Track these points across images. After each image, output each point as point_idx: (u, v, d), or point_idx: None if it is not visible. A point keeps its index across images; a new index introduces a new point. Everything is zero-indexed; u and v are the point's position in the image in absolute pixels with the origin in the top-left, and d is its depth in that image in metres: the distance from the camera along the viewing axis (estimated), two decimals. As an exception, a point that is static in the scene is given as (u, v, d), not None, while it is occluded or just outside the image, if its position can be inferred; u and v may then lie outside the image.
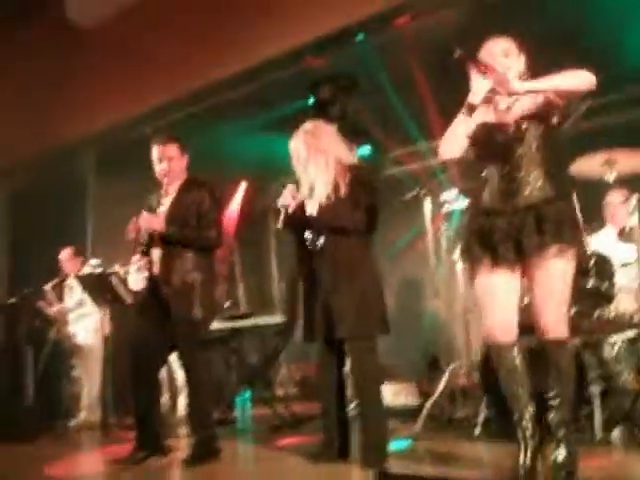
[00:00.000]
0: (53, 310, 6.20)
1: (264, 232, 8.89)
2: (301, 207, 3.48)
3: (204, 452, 3.68)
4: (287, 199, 3.46)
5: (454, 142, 2.82)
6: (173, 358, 5.92)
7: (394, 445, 3.47)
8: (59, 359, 6.11)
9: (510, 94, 2.64)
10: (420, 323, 6.45)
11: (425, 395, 4.67)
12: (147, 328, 3.85)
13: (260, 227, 8.94)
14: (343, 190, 3.35)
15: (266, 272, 8.95)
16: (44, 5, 6.20)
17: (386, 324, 3.35)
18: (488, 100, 2.76)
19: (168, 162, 3.91)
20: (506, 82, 2.58)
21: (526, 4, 4.59)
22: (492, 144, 2.77)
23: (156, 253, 3.88)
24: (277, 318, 5.34)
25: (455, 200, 5.02)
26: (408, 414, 4.62)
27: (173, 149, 3.96)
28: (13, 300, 6.33)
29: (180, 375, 6.25)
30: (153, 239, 3.86)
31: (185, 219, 3.83)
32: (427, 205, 4.66)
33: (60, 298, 6.26)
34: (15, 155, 7.17)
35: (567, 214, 2.64)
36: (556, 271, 2.62)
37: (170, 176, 3.91)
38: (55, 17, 6.21)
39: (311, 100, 5.99)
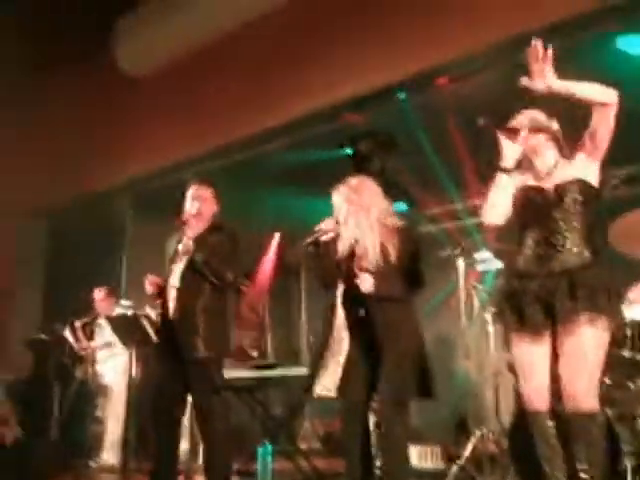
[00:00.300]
0: (82, 347, 6.24)
1: (295, 284, 8.91)
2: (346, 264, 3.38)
3: None
4: (328, 225, 3.37)
5: (497, 207, 2.86)
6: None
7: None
8: (85, 398, 6.12)
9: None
10: (449, 384, 6.33)
11: (451, 459, 4.55)
12: (165, 370, 3.83)
13: (291, 279, 8.97)
14: (393, 255, 3.26)
15: (295, 324, 8.93)
16: (96, 53, 6.43)
17: (429, 388, 3.26)
18: (528, 165, 2.84)
19: (200, 203, 3.92)
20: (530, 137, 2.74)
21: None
22: (531, 208, 2.80)
23: (171, 292, 3.87)
24: (303, 370, 5.28)
25: (489, 261, 4.99)
26: (433, 478, 4.51)
27: (207, 192, 3.99)
28: (43, 336, 6.41)
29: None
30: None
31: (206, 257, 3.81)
32: (461, 265, 4.62)
33: (90, 337, 6.31)
34: (57, 197, 7.36)
35: (602, 281, 2.61)
36: (587, 339, 2.57)
37: (197, 218, 3.91)
38: (106, 65, 6.43)
39: (350, 152, 6.05)
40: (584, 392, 2.57)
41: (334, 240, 3.38)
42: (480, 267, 5.20)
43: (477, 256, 5.11)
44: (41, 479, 5.12)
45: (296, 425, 7.24)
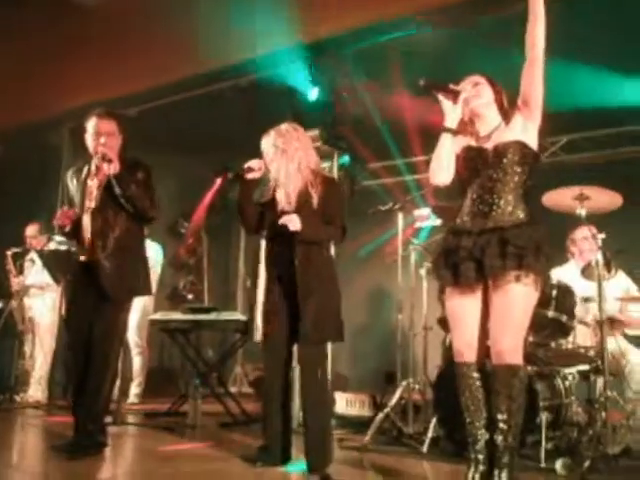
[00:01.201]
0: (13, 279, 6.10)
1: (234, 227, 8.86)
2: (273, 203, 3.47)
3: (89, 444, 3.53)
4: (254, 163, 3.44)
5: (443, 167, 2.90)
6: (130, 341, 5.91)
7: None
8: (12, 332, 6.01)
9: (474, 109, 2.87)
10: (380, 335, 6.49)
11: (379, 408, 4.68)
12: (82, 305, 3.73)
13: (231, 222, 8.91)
14: (314, 202, 3.36)
15: (233, 269, 8.93)
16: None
17: (342, 334, 3.39)
18: (470, 127, 2.93)
19: (107, 138, 3.69)
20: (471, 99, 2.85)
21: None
22: (470, 168, 2.87)
23: (86, 227, 3.75)
24: (238, 315, 5.31)
25: (427, 217, 5.06)
26: (359, 425, 4.64)
27: (111, 125, 3.78)
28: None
29: (137, 362, 6.22)
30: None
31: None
32: (400, 219, 4.67)
33: (21, 272, 6.17)
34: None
35: (532, 241, 2.68)
36: (515, 297, 2.65)
37: (108, 154, 3.66)
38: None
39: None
40: (510, 347, 2.66)
41: (256, 182, 3.48)
42: (418, 223, 5.27)
43: (416, 212, 5.18)
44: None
45: (227, 369, 7.32)
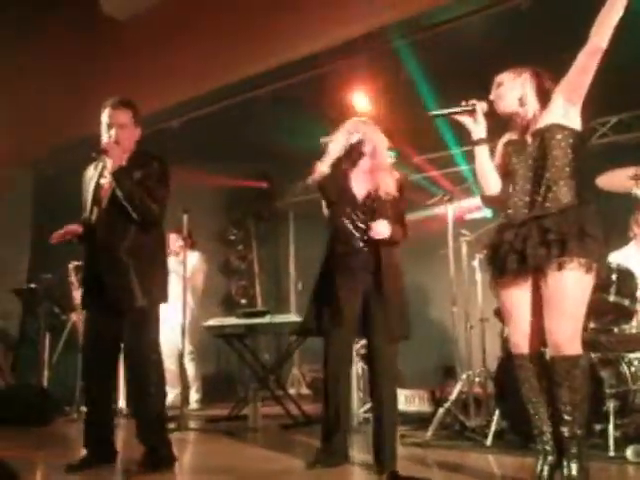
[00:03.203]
0: (75, 294, 6.18)
1: (284, 231, 8.93)
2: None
3: (155, 462, 3.32)
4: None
5: (490, 180, 2.91)
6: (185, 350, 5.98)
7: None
8: (76, 345, 6.15)
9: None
10: (436, 330, 6.43)
11: (438, 403, 4.64)
12: (97, 321, 3.48)
13: (278, 228, 8.99)
14: (392, 198, 3.34)
15: (283, 272, 8.98)
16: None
17: (409, 330, 3.34)
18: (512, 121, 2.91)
19: (118, 129, 3.39)
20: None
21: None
22: (512, 162, 2.83)
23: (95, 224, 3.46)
24: (292, 317, 5.34)
25: (478, 208, 5.00)
26: (420, 421, 4.60)
27: (125, 116, 3.45)
28: (33, 285, 6.40)
29: (190, 368, 6.31)
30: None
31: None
32: (450, 212, 4.62)
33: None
34: (41, 145, 7.25)
35: (576, 225, 2.59)
36: (564, 284, 2.57)
37: (118, 147, 3.38)
38: (88, 8, 6.24)
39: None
40: (566, 337, 2.59)
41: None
42: (468, 215, 5.21)
43: (465, 203, 5.12)
44: (31, 426, 5.17)
45: (284, 371, 7.35)
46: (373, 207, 3.33)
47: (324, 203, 3.47)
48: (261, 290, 8.71)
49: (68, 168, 7.12)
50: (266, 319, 5.37)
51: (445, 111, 2.93)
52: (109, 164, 3.38)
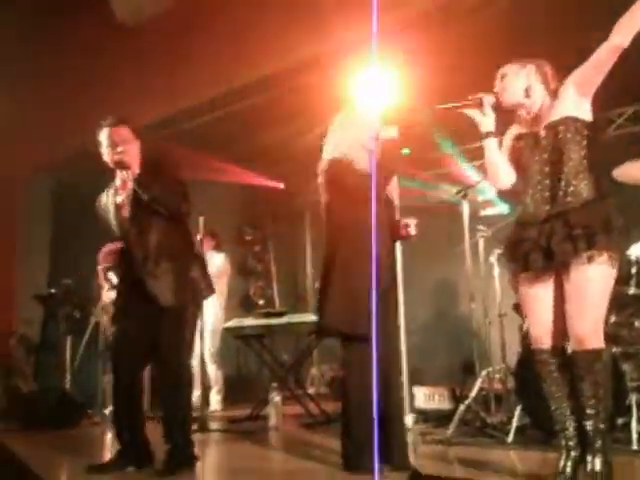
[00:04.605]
0: (104, 296, 6.18)
1: (299, 230, 8.94)
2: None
3: (180, 461, 3.36)
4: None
5: (500, 172, 2.89)
6: (205, 351, 6.00)
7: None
8: (97, 348, 6.21)
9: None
10: (455, 326, 6.41)
11: (459, 400, 4.62)
12: (130, 321, 3.56)
13: (295, 228, 8.99)
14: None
15: (300, 272, 8.99)
16: (92, 3, 6.27)
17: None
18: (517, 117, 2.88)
19: (123, 145, 3.51)
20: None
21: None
22: (525, 156, 2.80)
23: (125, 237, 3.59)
24: (310, 317, 5.35)
25: (494, 204, 4.97)
26: (440, 418, 4.59)
27: (126, 131, 3.57)
28: (53, 290, 6.46)
29: (212, 370, 6.33)
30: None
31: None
32: (465, 208, 4.60)
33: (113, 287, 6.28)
34: (59, 151, 7.30)
35: (600, 218, 2.58)
36: (589, 279, 2.56)
37: (128, 160, 3.51)
38: (103, 15, 6.28)
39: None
40: (588, 331, 2.57)
41: None
42: (482, 212, 5.18)
43: (480, 199, 5.09)
44: (55, 429, 5.23)
45: (303, 370, 7.37)
46: None
47: None
48: (279, 290, 8.73)
49: (85, 173, 7.21)
50: (284, 319, 5.39)
51: (453, 105, 2.90)
52: (127, 175, 3.52)
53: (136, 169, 3.53)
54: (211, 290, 3.72)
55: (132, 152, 3.56)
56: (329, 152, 3.38)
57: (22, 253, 7.20)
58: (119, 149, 3.50)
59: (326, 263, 3.36)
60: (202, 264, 3.76)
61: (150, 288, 3.46)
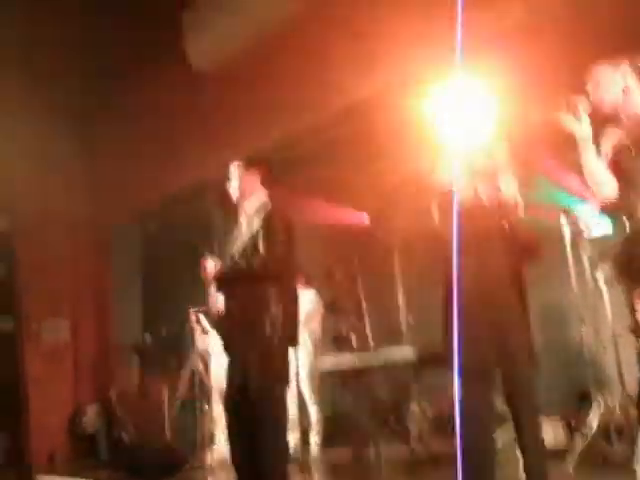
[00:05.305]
0: (197, 340, 6.20)
1: (387, 262, 8.78)
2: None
3: None
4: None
5: (602, 180, 2.69)
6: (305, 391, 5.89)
7: None
8: (193, 395, 6.22)
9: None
10: (565, 353, 6.05)
11: (574, 431, 4.30)
12: (236, 374, 3.48)
13: (384, 259, 8.84)
14: None
15: (393, 304, 8.80)
16: (171, 53, 6.44)
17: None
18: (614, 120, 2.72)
19: (245, 185, 3.61)
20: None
21: None
22: (631, 167, 2.63)
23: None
24: (407, 350, 5.17)
25: (598, 221, 4.66)
26: (554, 452, 4.28)
27: (254, 176, 3.63)
28: (148, 339, 6.56)
29: (313, 410, 6.20)
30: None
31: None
32: (567, 229, 4.36)
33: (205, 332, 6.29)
34: (146, 200, 7.51)
35: None
36: None
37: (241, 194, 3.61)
38: (180, 63, 6.45)
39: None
40: None
41: None
42: (588, 229, 4.87)
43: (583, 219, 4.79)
44: (158, 477, 5.25)
45: (404, 408, 7.13)
46: None
47: None
48: (371, 325, 8.56)
49: (171, 221, 7.38)
50: (380, 354, 5.25)
51: (546, 115, 2.78)
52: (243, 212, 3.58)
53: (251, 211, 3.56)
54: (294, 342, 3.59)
55: (248, 184, 3.62)
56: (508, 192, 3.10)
57: (116, 302, 7.39)
58: (234, 183, 3.62)
59: None
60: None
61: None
